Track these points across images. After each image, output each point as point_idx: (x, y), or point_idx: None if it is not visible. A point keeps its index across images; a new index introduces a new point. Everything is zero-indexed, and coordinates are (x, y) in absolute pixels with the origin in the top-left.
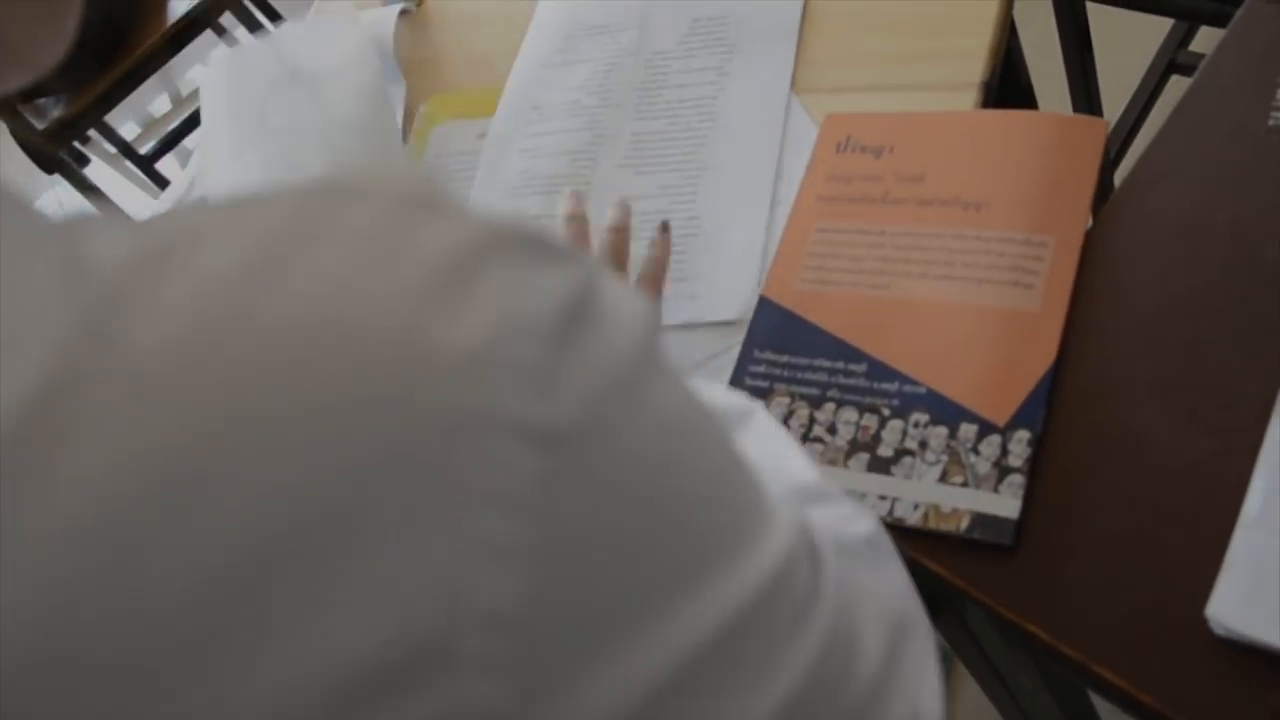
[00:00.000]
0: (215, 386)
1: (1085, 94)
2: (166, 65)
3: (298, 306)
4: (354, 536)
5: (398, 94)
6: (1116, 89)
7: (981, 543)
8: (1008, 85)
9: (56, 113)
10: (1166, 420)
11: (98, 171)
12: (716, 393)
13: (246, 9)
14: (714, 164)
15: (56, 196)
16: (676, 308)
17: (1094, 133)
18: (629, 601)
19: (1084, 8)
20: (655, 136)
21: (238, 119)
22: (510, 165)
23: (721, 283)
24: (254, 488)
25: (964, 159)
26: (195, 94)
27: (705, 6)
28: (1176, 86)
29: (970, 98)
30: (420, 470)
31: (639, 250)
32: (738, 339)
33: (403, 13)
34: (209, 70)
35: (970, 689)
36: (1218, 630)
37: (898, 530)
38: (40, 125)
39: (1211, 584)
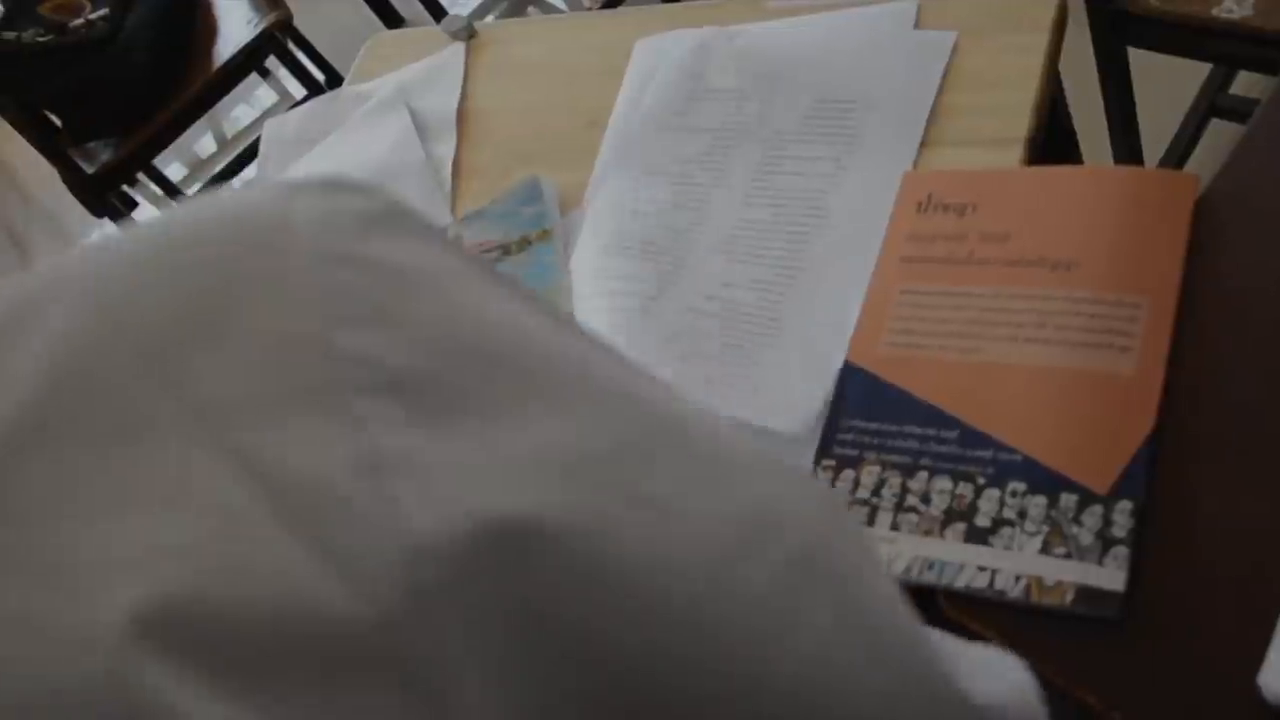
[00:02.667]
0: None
1: (1125, 139)
2: (213, 108)
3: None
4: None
5: (447, 150)
6: (1152, 132)
7: (1077, 618)
8: (1051, 132)
9: (105, 156)
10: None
11: (146, 214)
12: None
13: (291, 53)
14: (811, 268)
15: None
16: (730, 398)
17: (1184, 188)
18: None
19: (1126, 53)
20: (758, 226)
21: None
22: (609, 225)
23: (787, 393)
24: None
25: (1050, 217)
26: (240, 135)
27: (833, 86)
28: (1216, 131)
29: (1016, 153)
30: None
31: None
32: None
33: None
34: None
35: None
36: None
37: (997, 605)
38: (90, 169)
39: None
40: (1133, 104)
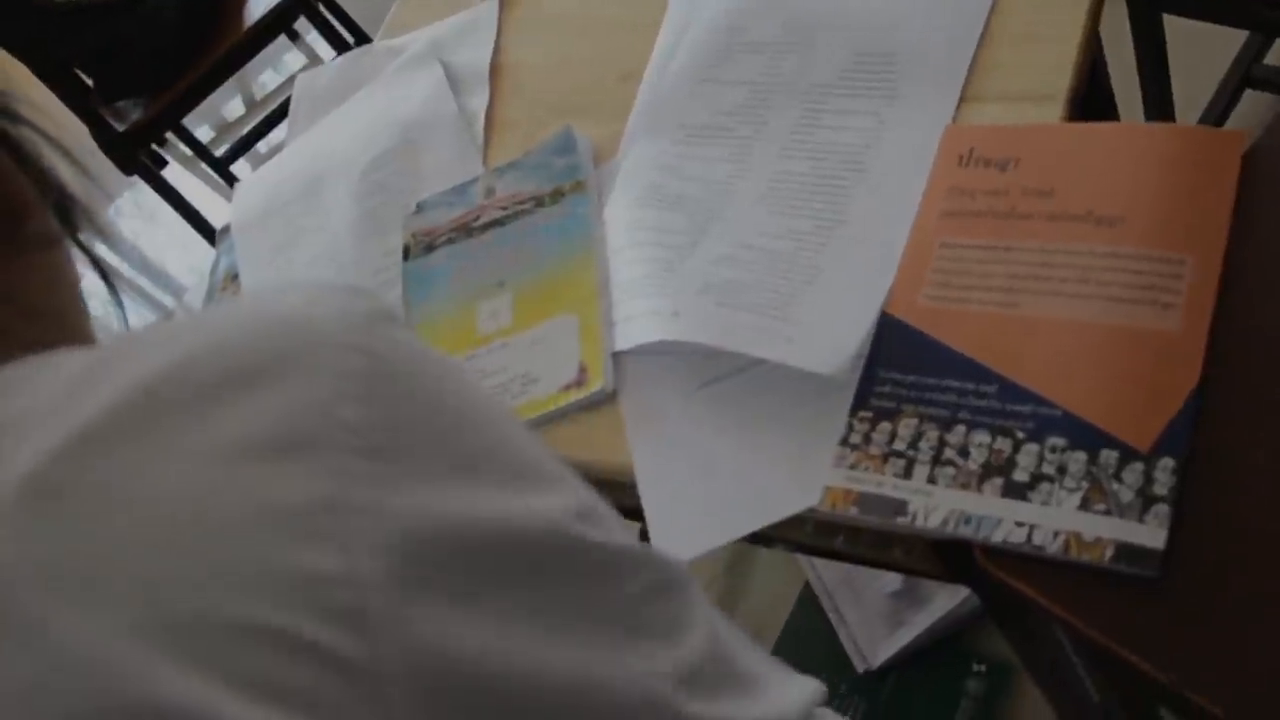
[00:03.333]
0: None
1: (1159, 108)
2: (241, 70)
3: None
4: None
5: (480, 103)
6: (1185, 102)
7: (1114, 575)
8: (1090, 94)
9: (135, 115)
10: None
11: (174, 174)
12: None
13: (321, 14)
14: (850, 221)
15: (134, 198)
16: (765, 343)
17: (1231, 145)
18: (426, 454)
19: (1161, 20)
20: (796, 179)
21: (275, 219)
22: (646, 179)
23: (825, 336)
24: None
25: (1095, 173)
26: (268, 98)
27: (873, 39)
28: (1252, 99)
29: (1056, 110)
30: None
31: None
32: (789, 390)
33: None
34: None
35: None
36: None
37: (1035, 560)
38: (120, 127)
39: None
40: (1167, 73)
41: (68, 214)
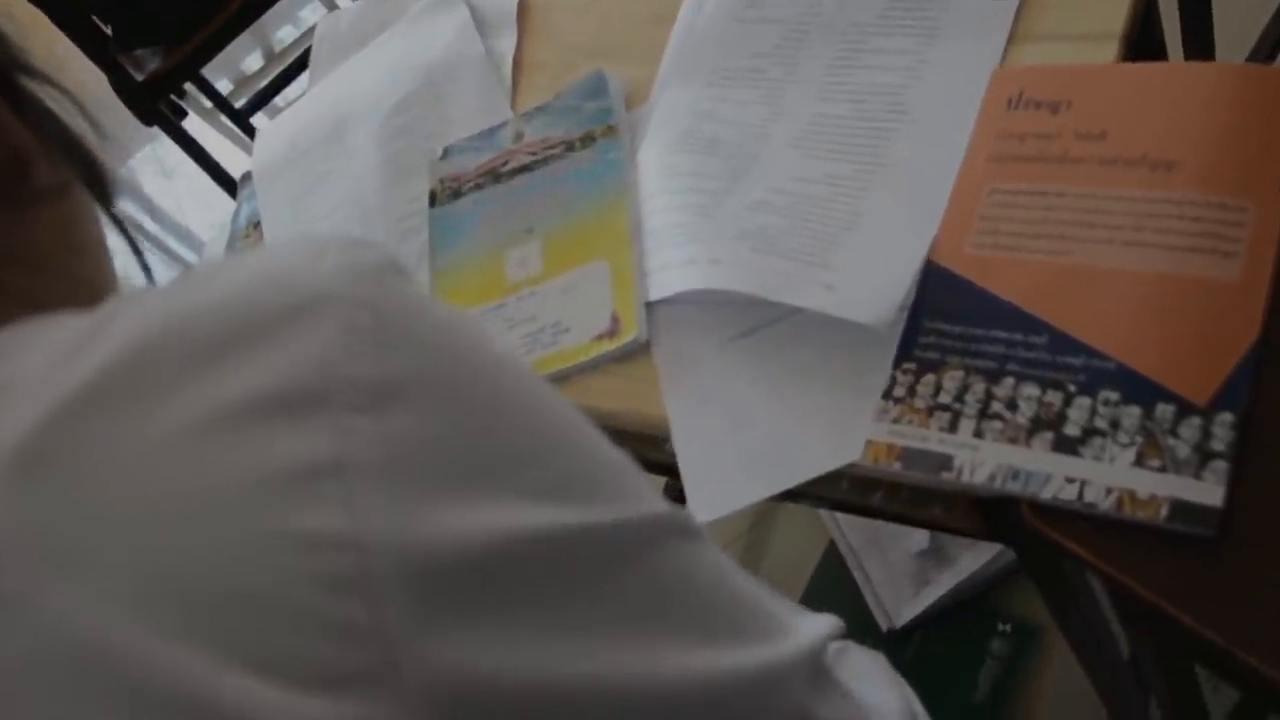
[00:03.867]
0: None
1: (1201, 49)
2: (259, 21)
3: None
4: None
5: (508, 45)
6: (1225, 48)
7: (1169, 535)
8: (1143, 37)
9: (154, 65)
10: None
11: (193, 126)
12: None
13: None
14: (893, 163)
15: (154, 152)
16: (804, 291)
17: None
18: (468, 457)
19: None
20: (836, 122)
21: (297, 166)
22: (680, 123)
23: (867, 283)
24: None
25: (1150, 115)
26: (287, 50)
27: None
28: None
29: (1109, 50)
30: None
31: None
32: (829, 341)
33: None
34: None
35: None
36: None
37: (1085, 518)
38: (139, 77)
39: None
40: (1210, 14)
41: (87, 168)
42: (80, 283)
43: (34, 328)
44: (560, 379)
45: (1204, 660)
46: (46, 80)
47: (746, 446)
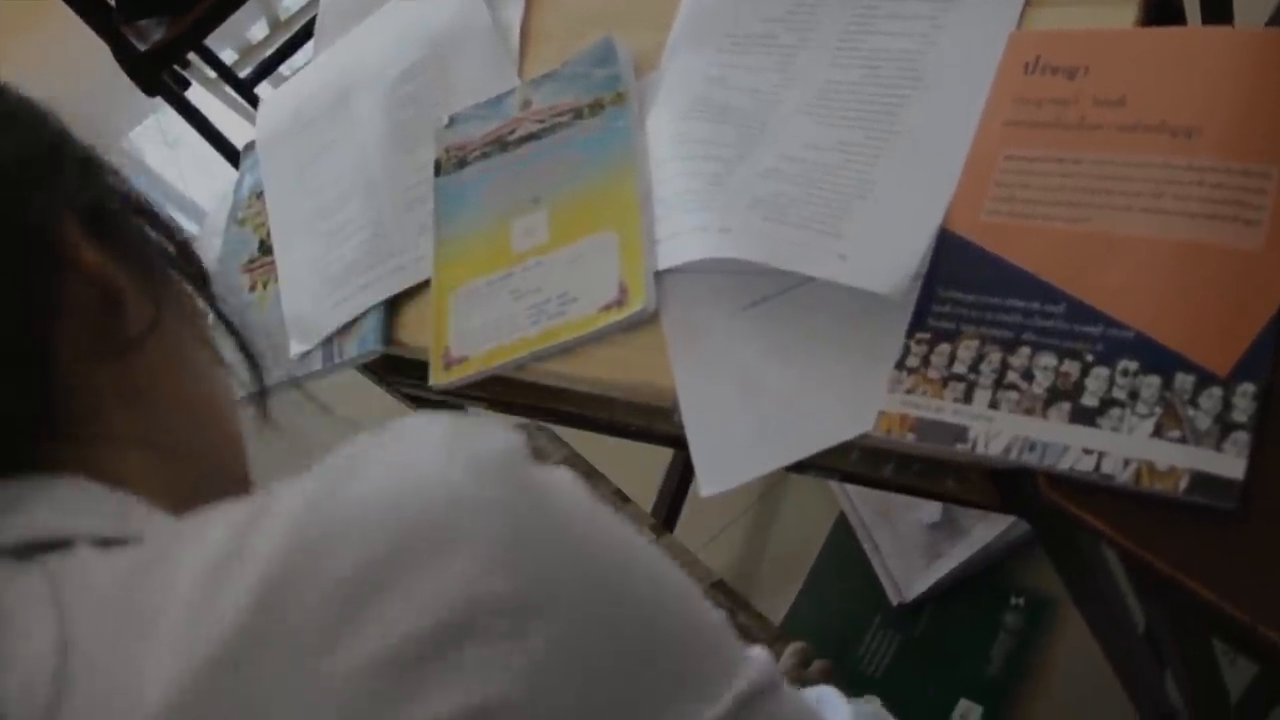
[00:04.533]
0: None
1: (1219, 14)
2: None
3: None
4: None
5: (514, 14)
6: (1243, 11)
7: (1188, 507)
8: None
9: (157, 35)
10: None
11: (197, 96)
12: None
13: None
14: (908, 130)
15: (158, 122)
16: (816, 260)
17: None
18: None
19: None
20: (849, 88)
21: (301, 135)
22: (691, 90)
23: (880, 252)
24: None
25: (1170, 80)
26: (292, 19)
27: None
28: None
29: (1128, 15)
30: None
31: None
32: (840, 310)
33: None
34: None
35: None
36: None
37: (1102, 490)
38: (141, 47)
39: None
40: None
41: (186, 269)
42: (194, 409)
43: (168, 538)
44: (566, 350)
45: (1222, 634)
46: (140, 205)
47: (756, 417)
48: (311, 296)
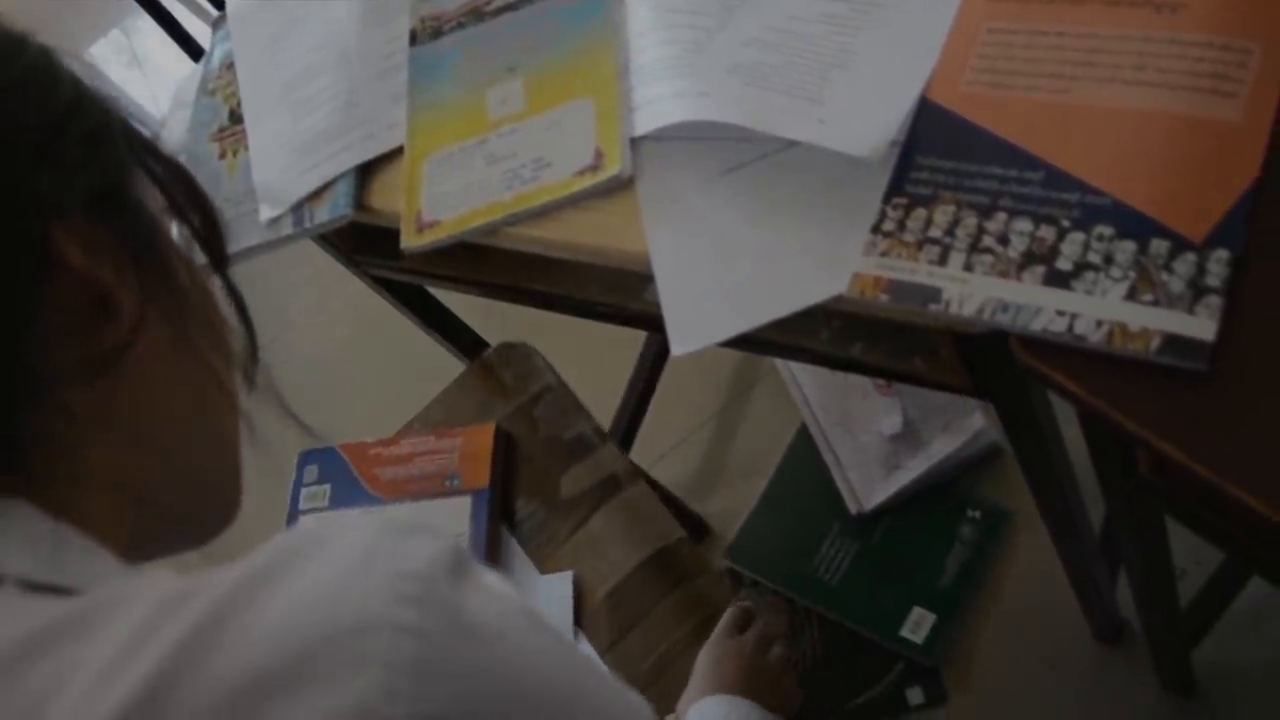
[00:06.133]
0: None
1: None
2: None
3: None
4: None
5: None
6: None
7: (1159, 368)
8: None
9: None
10: None
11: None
12: None
13: None
14: (891, 3)
15: (122, 40)
16: (795, 124)
17: None
18: None
19: None
20: None
21: (273, 6)
22: None
23: (860, 117)
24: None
25: None
26: None
27: None
28: None
29: None
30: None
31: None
32: (810, 175)
33: None
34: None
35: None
36: None
37: (1075, 352)
38: None
39: None
40: None
41: (216, 257)
42: (181, 426)
43: (103, 594)
44: (540, 214)
45: (1183, 511)
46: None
47: (730, 280)
48: (282, 164)
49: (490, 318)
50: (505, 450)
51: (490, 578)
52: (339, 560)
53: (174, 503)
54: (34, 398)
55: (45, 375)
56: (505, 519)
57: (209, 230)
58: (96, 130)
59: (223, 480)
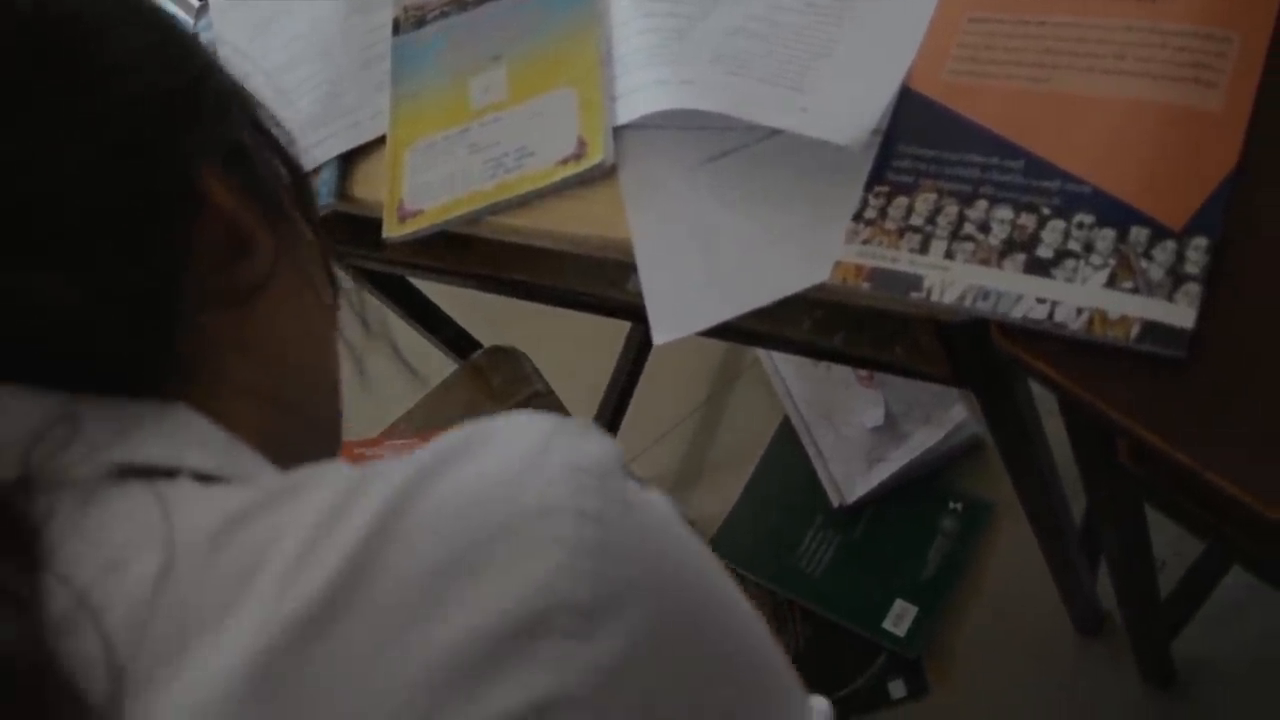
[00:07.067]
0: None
1: None
2: None
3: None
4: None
5: None
6: None
7: (1139, 356)
8: None
9: None
10: None
11: None
12: None
13: None
14: None
15: None
16: (777, 112)
17: None
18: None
19: None
20: None
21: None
22: None
23: (842, 106)
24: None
25: None
26: None
27: None
28: None
29: None
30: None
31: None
32: (801, 166)
33: None
34: None
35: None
36: None
37: (1055, 339)
38: None
39: None
40: None
41: (308, 210)
42: (302, 358)
43: (278, 481)
44: (523, 203)
45: (1163, 500)
46: (269, 137)
47: (713, 268)
48: None
49: (476, 312)
50: None
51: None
52: (517, 449)
53: (293, 437)
54: (187, 319)
55: (193, 300)
56: None
57: (300, 187)
58: (224, 90)
59: (333, 422)
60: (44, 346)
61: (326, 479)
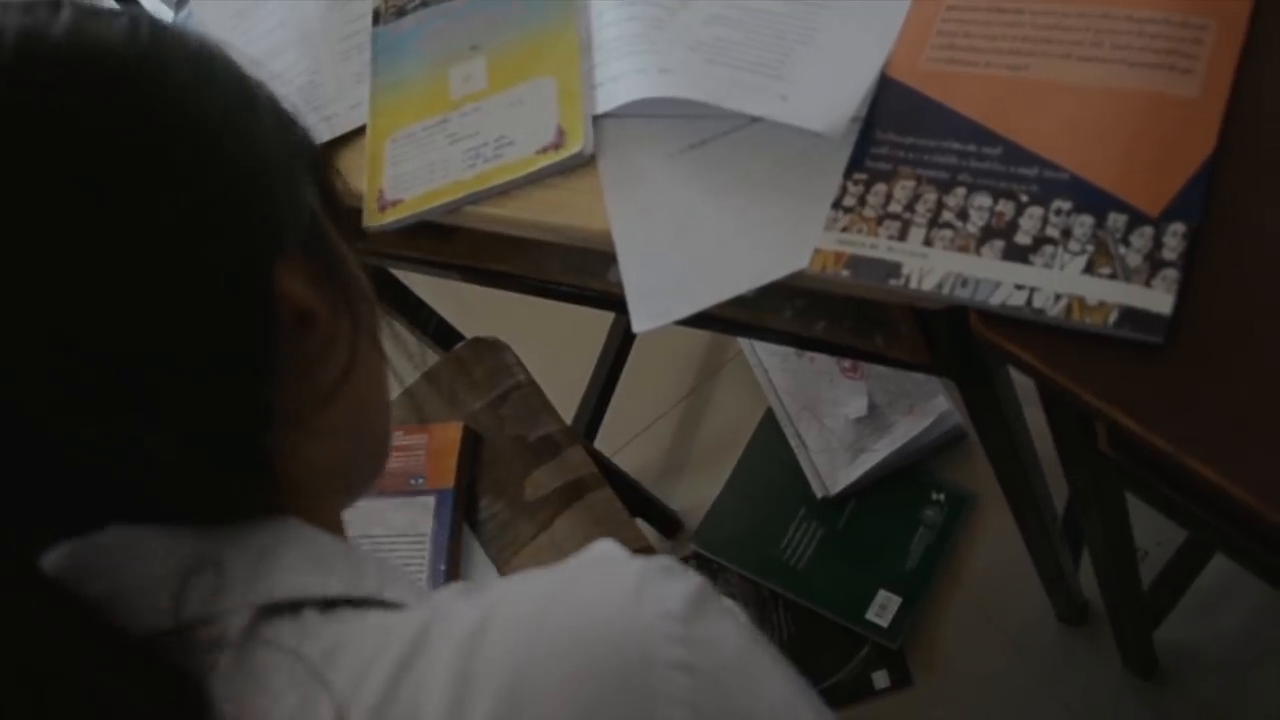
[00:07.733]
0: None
1: None
2: None
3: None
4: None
5: None
6: None
7: (1117, 341)
8: None
9: None
10: None
11: None
12: None
13: None
14: None
15: None
16: (756, 100)
17: None
18: None
19: None
20: None
21: None
22: None
23: (821, 93)
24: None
25: None
26: None
27: None
28: None
29: None
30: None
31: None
32: (783, 149)
33: None
34: None
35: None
36: None
37: (1034, 326)
38: None
39: None
40: None
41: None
42: (369, 422)
43: (358, 625)
44: (503, 192)
45: (1142, 487)
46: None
47: (692, 256)
48: None
49: (459, 306)
50: (473, 450)
51: (725, 603)
52: (606, 589)
53: (358, 460)
54: (279, 440)
55: (283, 417)
56: (467, 518)
57: (332, 205)
58: (308, 154)
59: (388, 435)
60: (158, 492)
61: (451, 626)
